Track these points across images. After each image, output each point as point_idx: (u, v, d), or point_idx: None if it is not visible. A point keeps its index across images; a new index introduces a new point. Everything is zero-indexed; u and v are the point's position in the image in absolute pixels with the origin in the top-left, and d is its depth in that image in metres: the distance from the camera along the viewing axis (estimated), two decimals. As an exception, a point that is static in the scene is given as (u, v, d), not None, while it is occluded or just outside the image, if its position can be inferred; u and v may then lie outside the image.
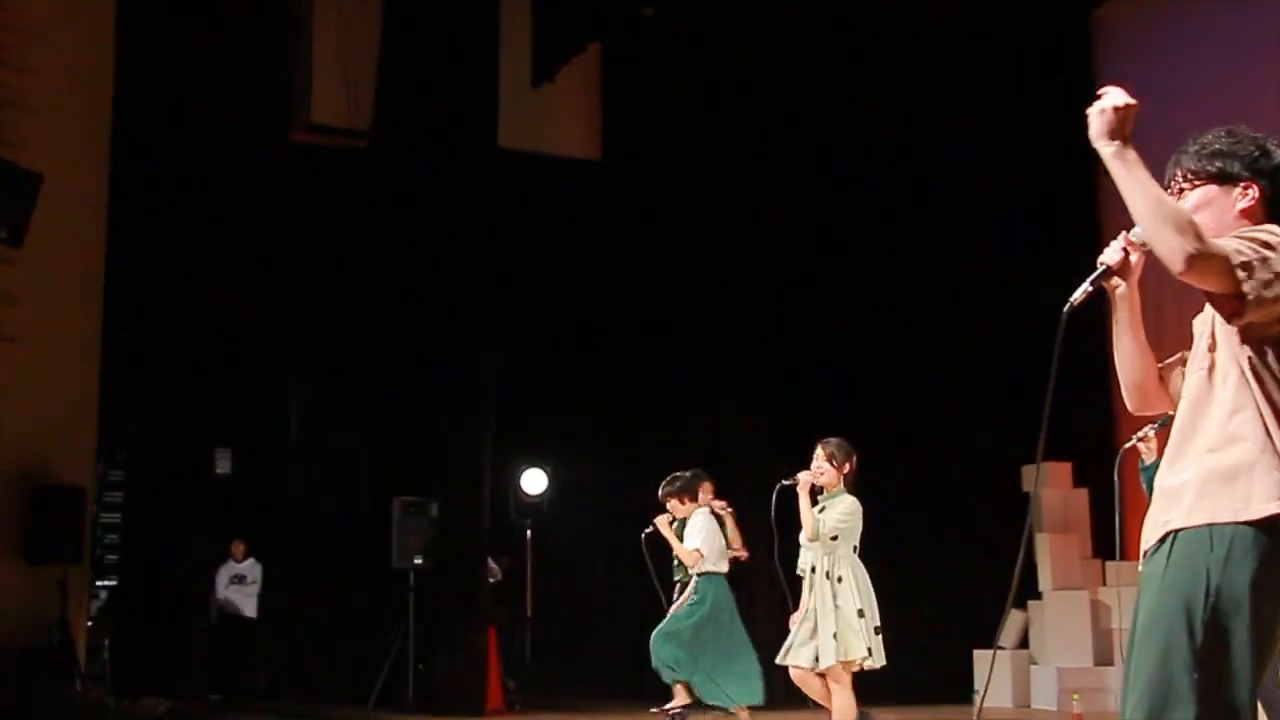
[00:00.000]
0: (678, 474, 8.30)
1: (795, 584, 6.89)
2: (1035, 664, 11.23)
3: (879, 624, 6.53)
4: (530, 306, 12.94)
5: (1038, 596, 11.35)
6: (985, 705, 10.89)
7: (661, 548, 8.25)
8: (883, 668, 6.68)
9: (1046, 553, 11.33)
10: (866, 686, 10.49)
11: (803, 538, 6.68)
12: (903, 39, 12.43)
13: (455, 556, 10.86)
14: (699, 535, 8.11)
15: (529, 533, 11.69)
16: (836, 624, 6.46)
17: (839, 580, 6.51)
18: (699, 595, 8.12)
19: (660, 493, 8.26)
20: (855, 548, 6.64)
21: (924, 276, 12.55)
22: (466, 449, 11.03)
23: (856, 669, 6.65)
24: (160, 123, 10.32)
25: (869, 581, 6.59)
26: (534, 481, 12.25)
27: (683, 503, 8.20)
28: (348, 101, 11.73)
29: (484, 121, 11.40)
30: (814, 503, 6.68)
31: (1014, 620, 11.38)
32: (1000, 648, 11.17)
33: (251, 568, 12.63)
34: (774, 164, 12.87)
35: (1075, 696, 9.55)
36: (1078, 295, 2.81)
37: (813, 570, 6.66)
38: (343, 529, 11.97)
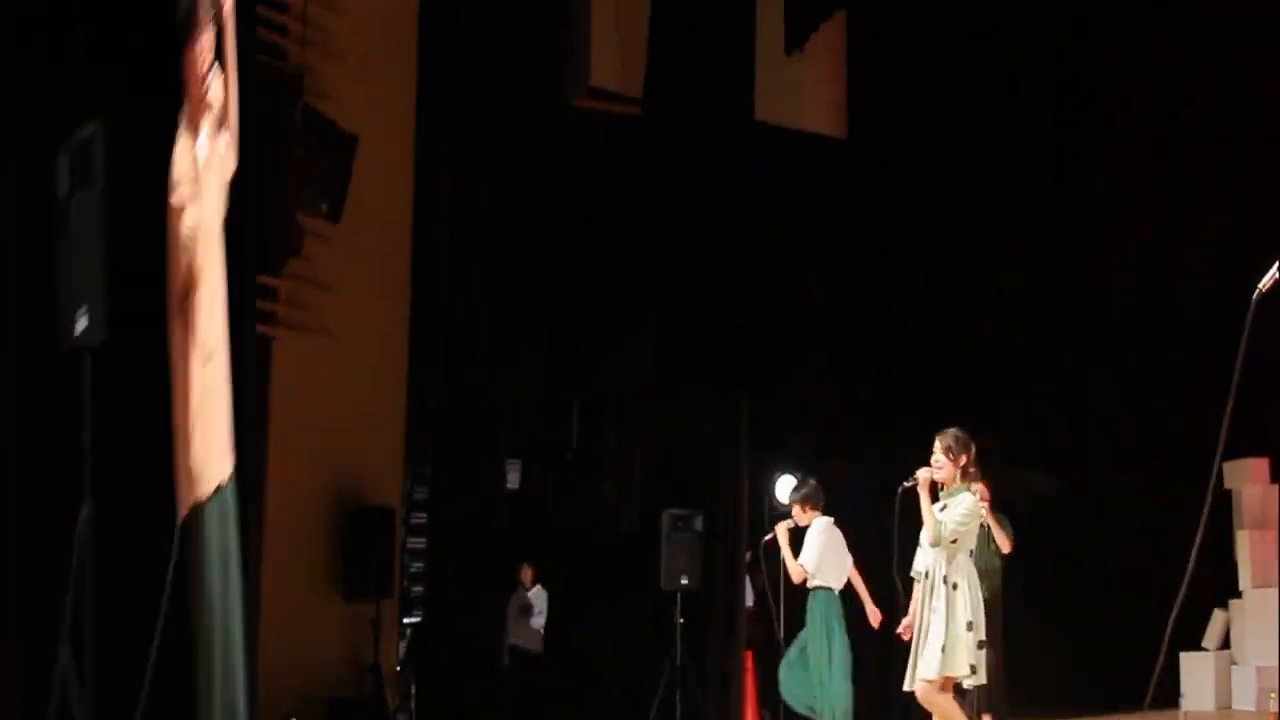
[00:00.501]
0: (807, 479, 8.27)
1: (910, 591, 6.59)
2: (1235, 664, 11.10)
3: (983, 637, 6.29)
4: (784, 294, 11.85)
5: (1239, 595, 11.23)
6: (1190, 708, 10.60)
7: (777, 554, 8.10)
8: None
9: (1246, 550, 11.23)
10: (1070, 692, 10.46)
11: (923, 538, 6.40)
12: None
13: (718, 575, 10.25)
14: (811, 548, 7.93)
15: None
16: (947, 636, 6.16)
17: (954, 587, 6.23)
18: (808, 613, 8.02)
19: (787, 497, 8.26)
20: (971, 551, 6.41)
21: (1134, 261, 12.22)
22: (724, 455, 10.47)
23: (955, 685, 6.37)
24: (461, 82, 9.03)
25: (980, 590, 6.36)
26: (787, 489, 11.16)
27: (804, 510, 8.04)
28: (623, 68, 11.02)
29: (741, 93, 10.95)
30: (934, 500, 6.36)
31: (1217, 620, 11.35)
32: (1204, 649, 11.15)
33: (539, 595, 11.20)
34: (1015, 142, 12.19)
35: (1272, 695, 9.40)
36: (1265, 281, 2.90)
37: (926, 575, 6.38)
38: (610, 547, 11.14)
